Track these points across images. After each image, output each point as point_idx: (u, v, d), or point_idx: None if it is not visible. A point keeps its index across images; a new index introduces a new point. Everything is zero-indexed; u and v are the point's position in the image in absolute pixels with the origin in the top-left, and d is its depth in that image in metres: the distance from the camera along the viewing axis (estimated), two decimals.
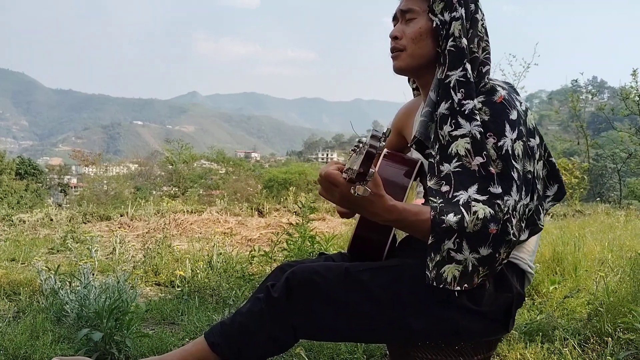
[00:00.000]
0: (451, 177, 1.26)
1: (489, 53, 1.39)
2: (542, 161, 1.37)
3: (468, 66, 1.31)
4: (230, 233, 5.73)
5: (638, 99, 12.32)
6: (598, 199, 11.78)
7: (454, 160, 1.27)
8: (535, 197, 1.31)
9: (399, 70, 1.43)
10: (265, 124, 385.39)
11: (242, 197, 15.43)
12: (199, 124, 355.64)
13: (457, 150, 1.27)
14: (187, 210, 6.94)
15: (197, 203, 9.71)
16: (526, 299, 2.79)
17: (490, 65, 1.38)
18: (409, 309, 1.29)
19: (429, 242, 1.20)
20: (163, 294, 3.13)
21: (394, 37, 1.40)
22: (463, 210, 1.18)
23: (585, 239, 4.39)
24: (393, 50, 1.41)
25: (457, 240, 1.18)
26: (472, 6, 1.37)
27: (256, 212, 7.45)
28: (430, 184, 1.29)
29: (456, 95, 1.29)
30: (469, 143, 1.25)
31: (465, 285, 1.22)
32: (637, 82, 12.62)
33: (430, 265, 1.22)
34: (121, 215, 6.60)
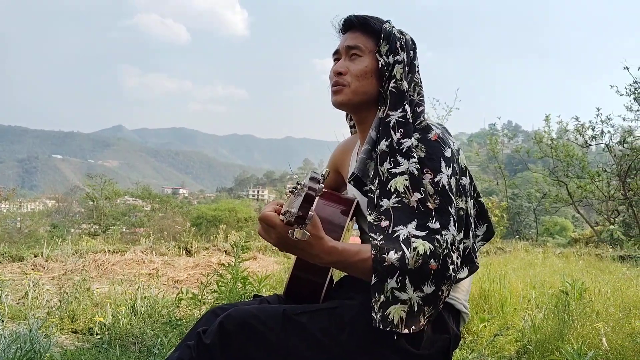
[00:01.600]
0: (390, 213, 1.26)
1: (422, 96, 1.45)
2: (472, 200, 1.41)
3: (407, 107, 1.35)
4: (155, 274, 5.46)
5: (550, 142, 13.27)
6: (517, 236, 12.40)
7: (393, 196, 1.28)
8: (470, 235, 1.33)
9: (339, 104, 1.44)
10: (195, 160, 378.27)
11: (169, 235, 14.89)
12: (124, 159, 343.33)
13: (396, 187, 1.28)
14: (109, 250, 6.56)
15: (119, 242, 9.22)
16: None
17: (424, 106, 1.43)
18: (350, 353, 1.25)
19: (372, 282, 1.18)
20: (80, 343, 2.86)
21: (338, 73, 1.42)
22: (403, 246, 1.18)
23: (508, 276, 4.55)
24: (335, 84, 1.42)
25: (400, 278, 1.17)
26: (412, 53, 1.43)
27: (184, 251, 7.18)
28: (370, 218, 1.29)
29: (395, 134, 1.33)
30: (407, 180, 1.27)
31: (413, 327, 1.20)
32: (549, 127, 13.64)
33: (375, 306, 1.19)
34: (35, 256, 6.11)
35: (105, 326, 2.96)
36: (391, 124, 1.34)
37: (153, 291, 3.70)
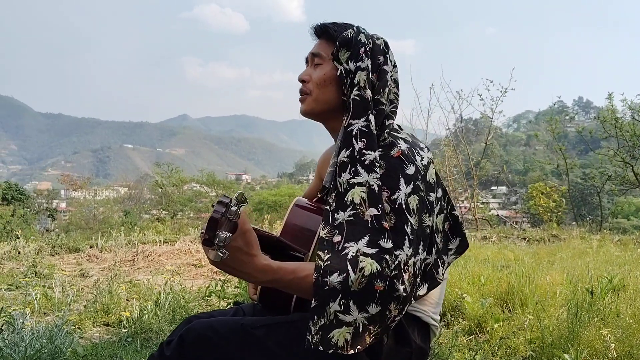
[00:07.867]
0: (344, 227, 1.23)
1: (396, 106, 1.39)
2: (443, 214, 1.36)
3: (372, 117, 1.31)
4: (198, 264, 5.66)
5: (614, 121, 12.45)
6: (574, 223, 11.80)
7: (348, 209, 1.24)
8: (433, 251, 1.30)
9: (304, 113, 1.44)
10: (256, 146, 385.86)
11: None
12: (189, 147, 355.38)
13: (352, 199, 1.24)
14: (159, 241, 6.85)
15: (185, 227, 9.56)
16: (471, 337, 2.75)
17: (394, 119, 1.38)
18: None
19: (312, 305, 1.17)
20: (109, 336, 3.02)
21: (301, 80, 1.42)
22: (349, 266, 1.15)
23: (551, 266, 4.36)
24: (300, 92, 1.43)
25: (343, 301, 1.15)
26: (381, 58, 1.37)
27: None
28: (322, 233, 1.26)
29: (357, 143, 1.28)
30: (365, 192, 1.23)
31: (359, 347, 1.18)
32: (612, 105, 12.80)
33: (312, 329, 1.17)
34: (90, 247, 6.48)
35: (132, 320, 3.10)
36: (353, 133, 1.30)
37: (188, 283, 3.84)
